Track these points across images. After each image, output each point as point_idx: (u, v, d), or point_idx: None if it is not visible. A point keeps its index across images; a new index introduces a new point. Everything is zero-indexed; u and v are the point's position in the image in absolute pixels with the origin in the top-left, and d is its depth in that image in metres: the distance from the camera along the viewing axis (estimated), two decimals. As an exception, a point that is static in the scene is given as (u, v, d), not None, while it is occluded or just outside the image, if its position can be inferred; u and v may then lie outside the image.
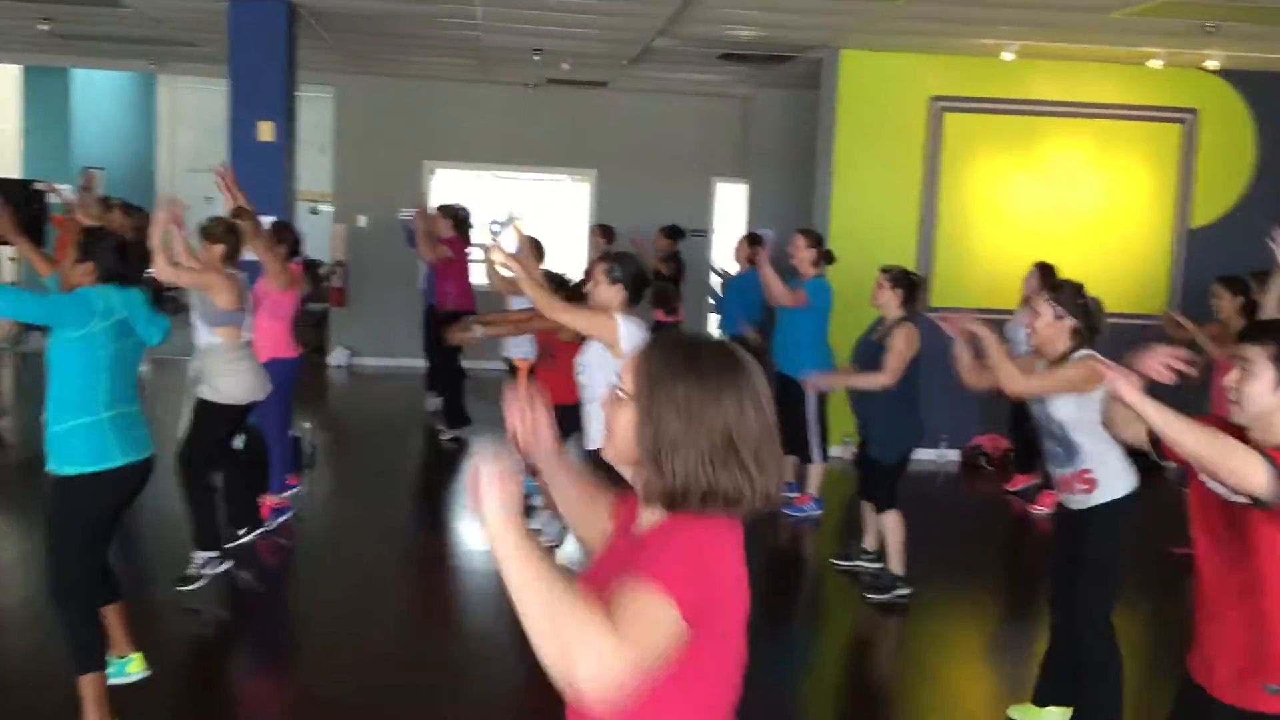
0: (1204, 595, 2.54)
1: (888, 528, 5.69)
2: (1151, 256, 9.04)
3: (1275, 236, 4.91)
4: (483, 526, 1.57)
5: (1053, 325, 3.98)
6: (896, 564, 5.67)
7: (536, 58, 9.61)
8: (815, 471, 7.11)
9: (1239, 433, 2.42)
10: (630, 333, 4.30)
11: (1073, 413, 3.80)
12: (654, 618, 1.56)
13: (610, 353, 4.31)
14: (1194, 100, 8.91)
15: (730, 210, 12.52)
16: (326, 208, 13.04)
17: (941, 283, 8.72)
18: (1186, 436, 2.27)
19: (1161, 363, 2.62)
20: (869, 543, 6.03)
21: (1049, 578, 4.29)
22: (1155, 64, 8.48)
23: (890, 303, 5.60)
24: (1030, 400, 4.13)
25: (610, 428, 1.76)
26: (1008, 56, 8.37)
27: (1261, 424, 2.42)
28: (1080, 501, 3.91)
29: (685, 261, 10.46)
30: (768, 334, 7.75)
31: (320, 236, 12.74)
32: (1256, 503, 2.26)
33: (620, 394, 1.74)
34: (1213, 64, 8.44)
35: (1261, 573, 2.36)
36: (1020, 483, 7.91)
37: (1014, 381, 3.96)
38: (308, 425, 7.71)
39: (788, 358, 7.10)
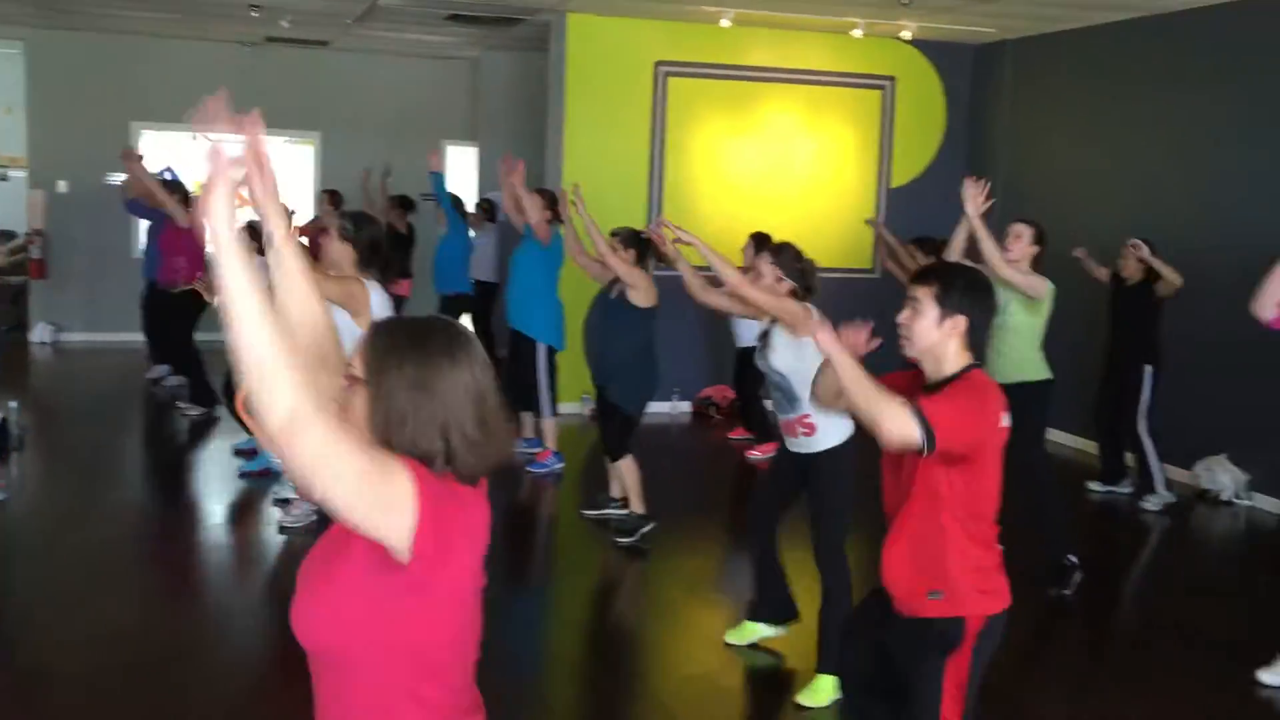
0: (885, 506, 2.85)
1: (623, 473, 5.99)
2: (858, 214, 9.70)
3: (965, 186, 5.40)
4: (211, 231, 1.61)
5: (772, 286, 4.30)
6: (638, 504, 5.97)
7: (255, 14, 9.23)
8: (550, 426, 7.28)
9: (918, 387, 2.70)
10: (379, 302, 4.23)
11: (791, 363, 4.12)
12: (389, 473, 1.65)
13: (356, 322, 4.23)
14: (891, 68, 9.61)
15: (460, 174, 12.46)
16: (18, 173, 12.05)
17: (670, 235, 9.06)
18: (857, 392, 2.54)
19: (858, 339, 2.97)
20: (615, 490, 6.27)
21: (751, 507, 4.65)
22: (857, 33, 9.08)
23: (625, 261, 5.85)
24: (756, 355, 4.45)
25: (346, 412, 1.77)
26: (725, 23, 8.75)
27: (930, 357, 2.71)
28: (803, 445, 4.24)
29: (417, 232, 10.41)
30: (496, 294, 7.89)
31: (12, 204, 11.79)
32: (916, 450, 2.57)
33: (353, 377, 1.77)
34: (907, 34, 9.12)
35: (919, 503, 2.68)
36: (741, 432, 8.38)
37: (742, 287, 4.25)
38: (13, 405, 7.18)
39: (520, 314, 7.22)
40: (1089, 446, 7.99)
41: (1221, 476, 7.17)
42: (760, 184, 9.46)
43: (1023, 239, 5.54)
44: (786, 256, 4.39)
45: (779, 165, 9.50)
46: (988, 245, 5.29)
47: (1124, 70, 8.26)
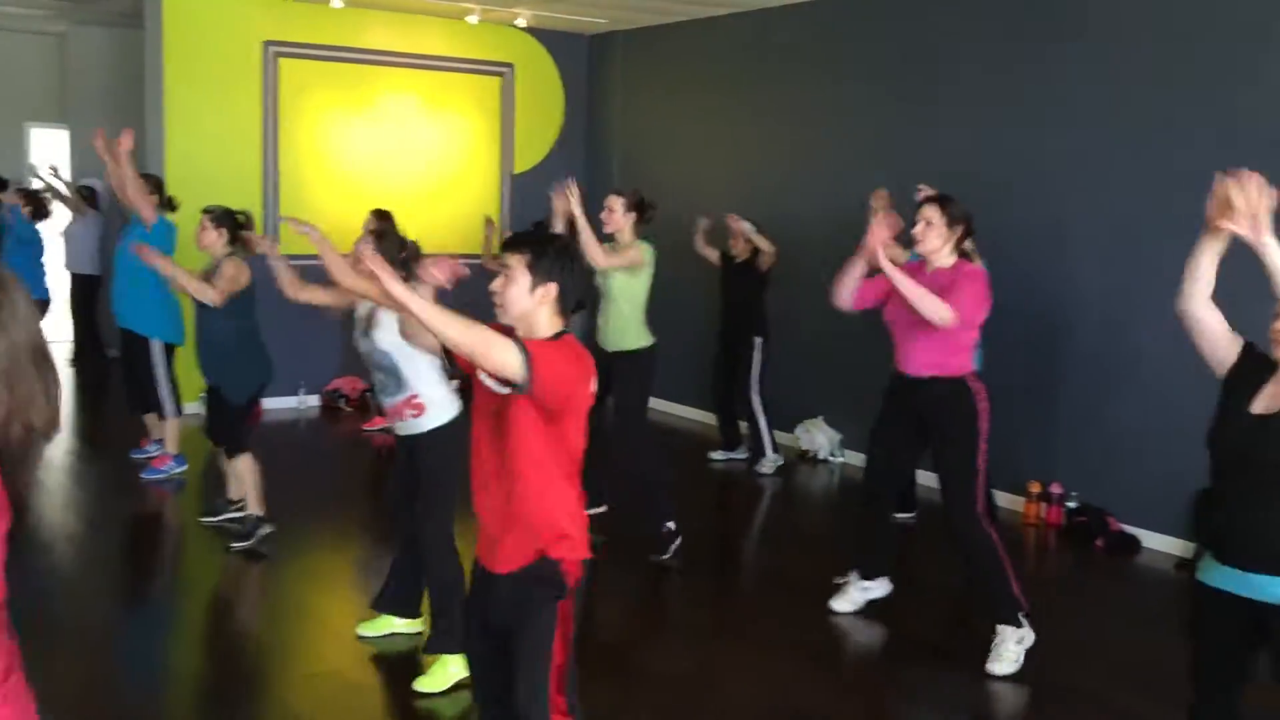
0: (476, 473, 2.87)
1: (242, 472, 5.70)
2: (482, 200, 9.75)
3: (566, 187, 5.58)
4: None
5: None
6: (255, 506, 5.70)
7: None
8: (172, 426, 6.84)
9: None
10: None
11: (397, 341, 3.98)
12: None
13: None
14: (509, 55, 9.73)
15: (50, 158, 11.36)
16: None
17: (288, 229, 8.72)
18: (451, 329, 2.55)
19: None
20: (233, 492, 5.96)
21: (388, 500, 4.58)
22: (472, 19, 9.11)
23: (216, 242, 5.63)
24: (358, 335, 4.33)
25: None
26: (337, 4, 8.51)
27: (524, 324, 2.78)
28: (411, 427, 4.20)
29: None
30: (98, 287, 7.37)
31: None
32: (514, 387, 2.62)
33: None
34: (522, 22, 9.26)
35: (516, 449, 2.74)
36: (379, 422, 8.23)
37: (345, 278, 4.09)
38: None
39: (129, 309, 6.75)
40: (709, 418, 8.50)
41: (818, 437, 7.85)
42: (382, 169, 9.29)
43: (615, 211, 5.70)
44: (390, 242, 4.31)
45: (400, 151, 9.38)
46: (586, 238, 5.45)
47: (725, 61, 8.81)
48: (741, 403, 7.65)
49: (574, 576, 2.78)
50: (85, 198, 9.90)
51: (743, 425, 7.81)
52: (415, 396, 4.16)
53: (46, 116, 11.39)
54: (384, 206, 8.19)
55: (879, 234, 4.43)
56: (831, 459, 7.84)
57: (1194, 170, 5.89)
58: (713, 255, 7.81)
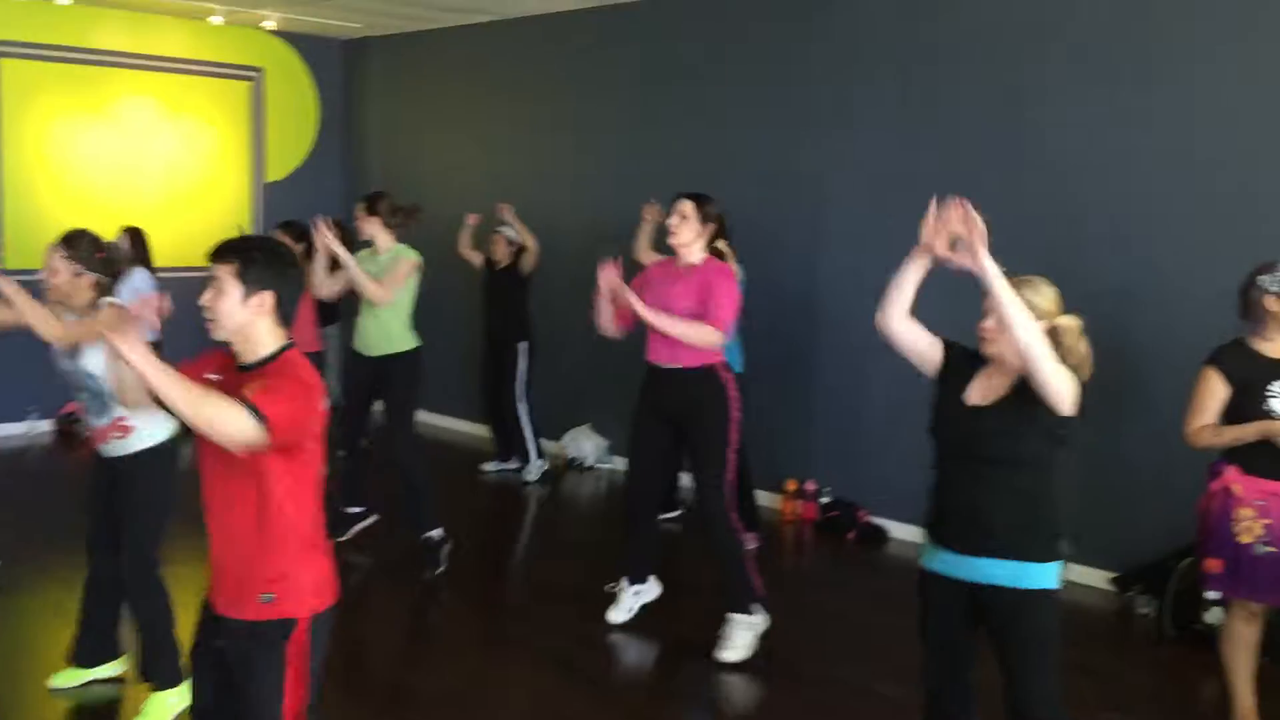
0: (206, 503, 2.70)
1: None
2: (232, 209, 9.32)
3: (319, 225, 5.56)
4: None
5: (72, 281, 3.86)
6: None
7: None
8: None
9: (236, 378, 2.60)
10: None
11: (105, 363, 3.71)
12: None
13: None
14: (259, 59, 9.35)
15: None
16: None
17: (15, 243, 8.12)
18: (181, 402, 2.38)
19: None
20: None
21: (89, 532, 4.16)
22: (216, 20, 8.71)
23: None
24: (60, 356, 3.96)
25: None
26: (64, 1, 7.95)
27: (240, 339, 2.62)
28: (117, 449, 3.92)
29: None
30: None
31: None
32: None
33: None
34: (270, 24, 8.92)
35: (246, 497, 2.60)
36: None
37: (52, 330, 3.80)
38: None
39: None
40: (480, 430, 8.43)
41: (585, 444, 7.89)
42: (122, 178, 8.75)
43: (370, 223, 5.71)
44: (84, 247, 3.90)
45: (142, 159, 8.85)
46: (356, 277, 5.50)
47: (483, 68, 8.75)
48: (508, 409, 7.61)
49: (304, 616, 2.64)
50: None
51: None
52: (123, 419, 3.86)
53: None
54: (126, 217, 7.77)
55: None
56: (599, 466, 7.89)
57: (927, 174, 6.27)
58: (476, 259, 7.75)
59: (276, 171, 9.57)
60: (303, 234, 6.82)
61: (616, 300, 4.61)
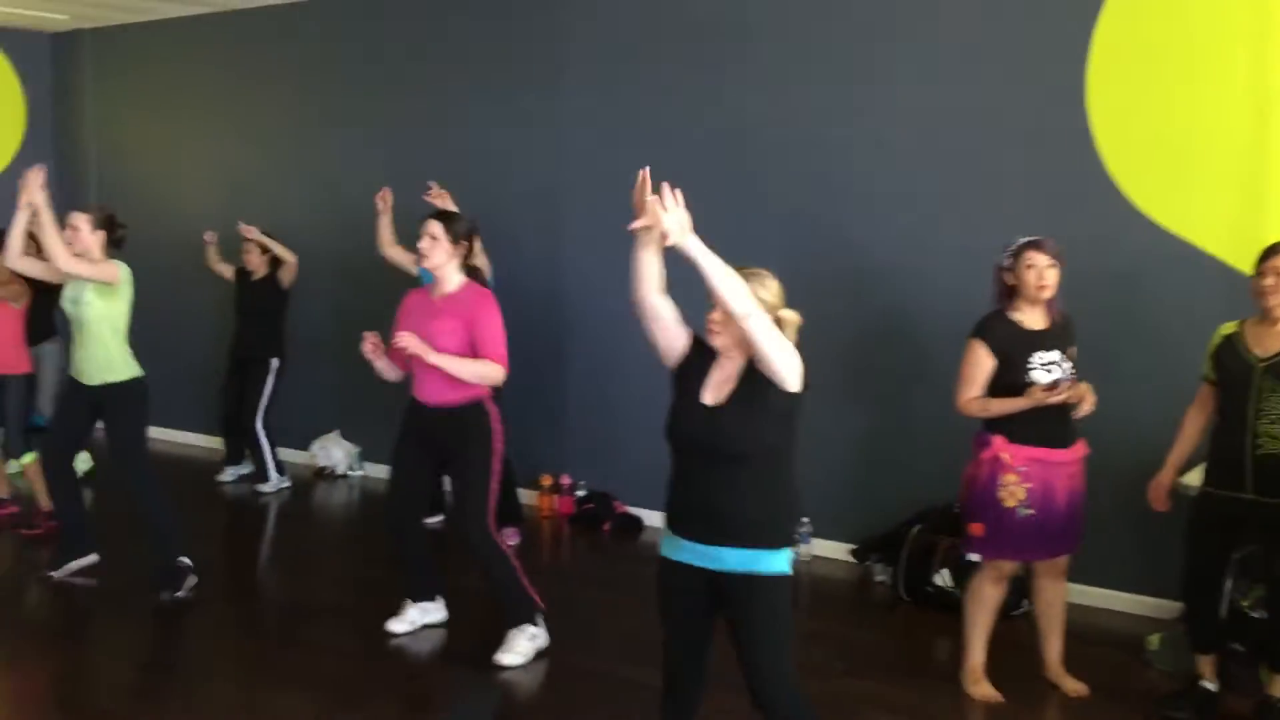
0: None
1: None
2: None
3: (25, 176, 5.00)
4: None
5: None
6: None
7: None
8: None
9: None
10: None
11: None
12: None
13: None
14: (-47, 54, 8.59)
15: None
16: None
17: None
18: None
19: None
20: None
21: None
22: (-100, 11, 7.94)
23: None
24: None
25: None
26: None
27: None
28: None
29: None
30: None
31: None
32: None
33: None
34: (-34, 17, 8.20)
35: None
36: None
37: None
38: None
39: None
40: (211, 441, 8.06)
41: (335, 452, 7.67)
42: None
43: (81, 230, 5.16)
44: None
45: None
46: (51, 238, 4.95)
47: (209, 63, 8.33)
48: (248, 424, 7.27)
49: None
50: None
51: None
52: None
53: None
54: None
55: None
56: (351, 473, 7.69)
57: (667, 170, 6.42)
58: (227, 271, 7.39)
59: (-18, 173, 8.82)
60: None
61: (391, 353, 4.51)
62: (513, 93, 6.90)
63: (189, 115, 8.49)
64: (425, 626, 4.95)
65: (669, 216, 2.77)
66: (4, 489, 6.60)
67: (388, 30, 7.42)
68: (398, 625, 4.90)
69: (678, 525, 3.08)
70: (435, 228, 4.51)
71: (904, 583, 5.39)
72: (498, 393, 4.74)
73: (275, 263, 7.23)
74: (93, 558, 5.62)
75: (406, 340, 4.36)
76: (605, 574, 5.96)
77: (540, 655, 4.65)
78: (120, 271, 5.20)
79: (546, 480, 6.80)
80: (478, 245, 5.40)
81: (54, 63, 9.17)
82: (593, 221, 6.64)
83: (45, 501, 6.15)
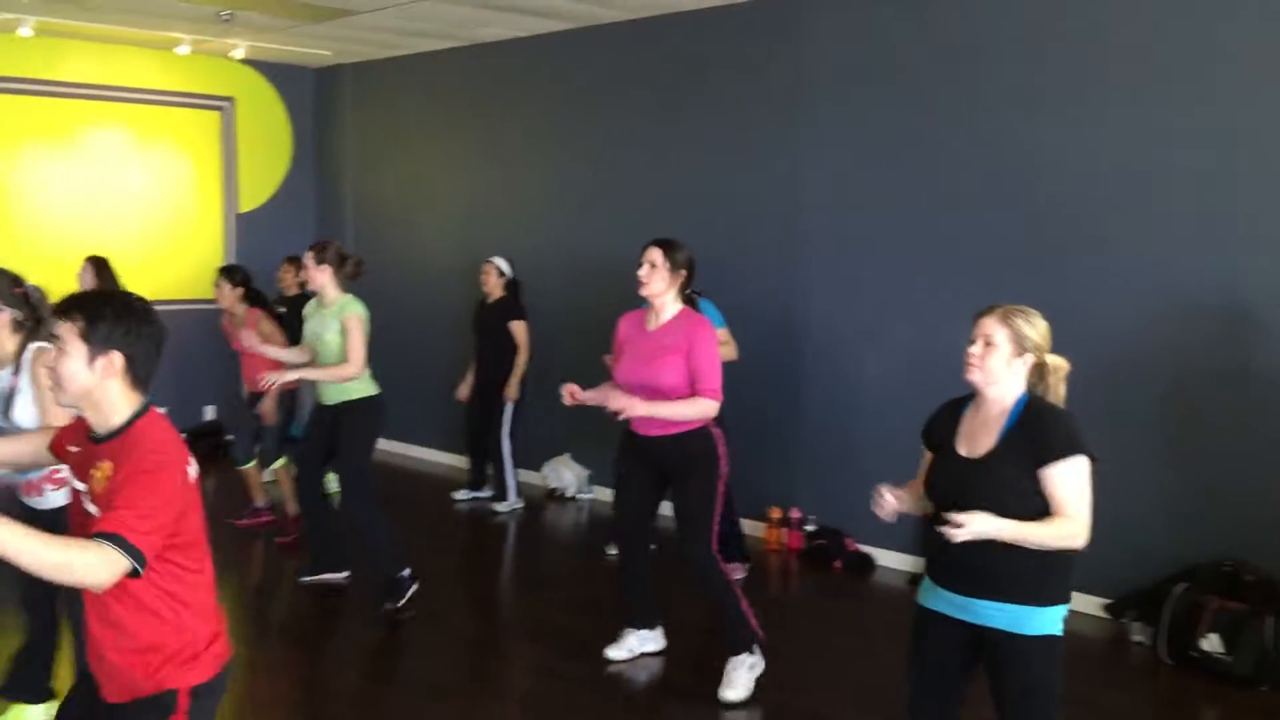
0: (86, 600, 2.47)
1: None
2: (205, 241, 9.19)
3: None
4: None
5: None
6: None
7: None
8: None
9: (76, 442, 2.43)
10: None
11: (35, 415, 3.57)
12: None
13: None
14: (229, 88, 9.21)
15: None
16: None
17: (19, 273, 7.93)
18: (43, 567, 2.11)
19: None
20: None
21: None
22: (184, 50, 8.57)
23: None
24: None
25: None
26: (26, 32, 7.81)
27: (89, 404, 2.39)
28: (49, 501, 3.72)
29: None
30: None
31: None
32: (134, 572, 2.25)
33: None
34: (239, 54, 8.78)
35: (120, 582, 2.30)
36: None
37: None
38: None
39: None
40: (455, 460, 8.29)
41: (566, 474, 7.72)
42: (91, 211, 8.59)
43: (310, 268, 5.46)
44: (2, 284, 3.75)
45: (111, 191, 8.70)
46: (325, 374, 5.43)
47: (458, 94, 8.62)
48: (492, 445, 7.44)
49: (187, 703, 2.41)
50: None
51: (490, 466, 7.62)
52: (58, 472, 3.64)
53: None
54: (97, 251, 7.59)
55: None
56: (580, 496, 7.72)
57: (908, 196, 6.14)
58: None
59: (249, 202, 9.42)
60: (244, 280, 6.77)
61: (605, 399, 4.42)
62: (751, 121, 6.78)
63: (435, 145, 8.80)
64: (643, 654, 4.88)
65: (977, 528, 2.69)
66: (260, 497, 6.97)
67: (626, 63, 7.45)
68: (616, 652, 4.85)
69: (937, 574, 2.90)
70: (655, 254, 4.41)
71: (1166, 645, 4.90)
72: (721, 418, 4.59)
73: (511, 287, 7.35)
74: (344, 574, 5.85)
75: (622, 406, 4.27)
76: (833, 614, 5.71)
77: (762, 694, 4.47)
78: (358, 315, 5.41)
79: (775, 513, 6.60)
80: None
81: (317, 95, 9.71)
82: (830, 249, 6.43)
83: (293, 506, 6.47)
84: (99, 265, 7.24)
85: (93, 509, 2.32)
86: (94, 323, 2.35)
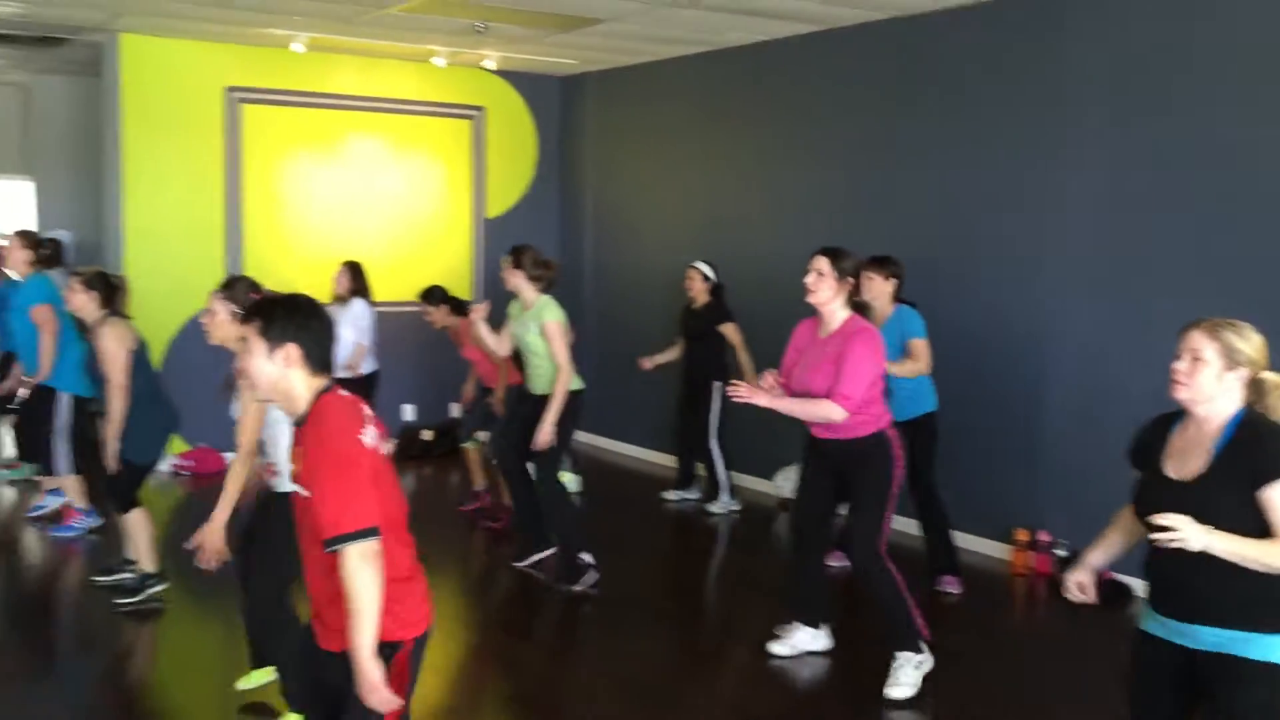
0: (304, 554, 2.79)
1: (132, 527, 5.51)
2: (454, 246, 9.55)
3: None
4: None
5: (230, 323, 4.24)
6: (147, 562, 5.52)
7: None
8: (71, 483, 6.64)
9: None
10: None
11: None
12: None
13: None
14: (479, 98, 9.55)
15: (16, 210, 11.14)
16: None
17: (256, 278, 8.50)
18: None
19: None
20: (131, 551, 5.70)
21: (239, 556, 4.26)
22: (439, 61, 8.94)
23: (86, 305, 5.47)
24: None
25: None
26: (298, 48, 8.33)
27: (280, 395, 2.71)
28: (278, 485, 4.02)
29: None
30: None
31: None
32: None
33: None
34: (490, 64, 9.09)
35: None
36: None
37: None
38: None
39: (34, 364, 6.64)
40: (666, 459, 8.38)
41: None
42: (349, 216, 9.09)
43: (508, 269, 5.86)
44: (240, 289, 4.36)
45: (368, 197, 9.18)
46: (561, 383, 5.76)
47: (698, 100, 8.63)
48: (699, 445, 7.51)
49: (405, 653, 2.70)
50: (51, 251, 9.68)
51: (699, 466, 7.70)
52: (273, 464, 4.07)
53: (10, 168, 11.17)
54: (352, 254, 8.05)
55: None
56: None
57: (1176, 199, 5.71)
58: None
59: (496, 207, 9.73)
60: (443, 296, 7.19)
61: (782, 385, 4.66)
62: (1006, 122, 6.46)
63: (672, 150, 8.84)
64: (808, 653, 4.94)
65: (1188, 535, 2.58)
66: (479, 479, 7.27)
67: (870, 65, 7.25)
68: (780, 648, 4.92)
69: (1157, 599, 2.81)
70: (822, 263, 4.51)
71: None
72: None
73: (715, 291, 7.33)
74: (551, 549, 6.10)
75: (744, 395, 4.47)
76: (1078, 645, 5.34)
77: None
78: (558, 320, 5.77)
79: (1022, 535, 6.26)
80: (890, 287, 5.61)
81: (562, 103, 9.93)
82: (1086, 254, 6.05)
83: (479, 480, 7.18)
84: (353, 269, 7.67)
85: (302, 490, 2.64)
86: (269, 321, 2.69)
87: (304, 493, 2.64)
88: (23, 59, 9.48)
